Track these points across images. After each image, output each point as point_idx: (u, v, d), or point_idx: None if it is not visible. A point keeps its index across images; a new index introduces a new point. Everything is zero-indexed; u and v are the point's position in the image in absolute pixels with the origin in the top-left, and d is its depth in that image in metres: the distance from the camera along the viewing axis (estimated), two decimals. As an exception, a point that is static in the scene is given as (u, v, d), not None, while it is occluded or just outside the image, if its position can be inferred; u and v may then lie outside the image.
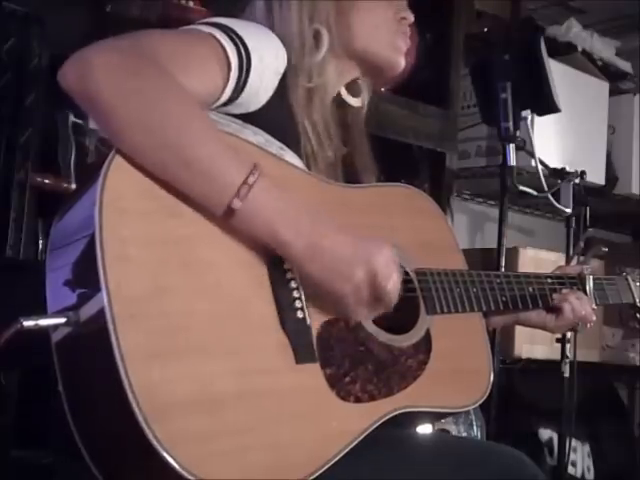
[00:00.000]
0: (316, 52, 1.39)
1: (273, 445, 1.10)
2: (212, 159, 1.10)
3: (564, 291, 1.61)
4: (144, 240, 1.07)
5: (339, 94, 1.49)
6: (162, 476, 1.00)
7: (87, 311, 1.03)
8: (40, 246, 1.99)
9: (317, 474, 1.11)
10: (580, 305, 1.60)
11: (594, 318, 1.62)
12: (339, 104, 1.50)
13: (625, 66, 3.58)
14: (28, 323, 1.03)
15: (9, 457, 1.70)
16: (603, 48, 3.48)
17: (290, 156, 1.33)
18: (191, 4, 2.14)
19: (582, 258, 1.73)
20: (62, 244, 1.11)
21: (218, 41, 1.23)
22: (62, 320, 1.04)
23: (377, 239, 1.22)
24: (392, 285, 1.20)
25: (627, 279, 1.82)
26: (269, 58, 1.30)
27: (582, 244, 2.49)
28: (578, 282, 1.66)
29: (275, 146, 1.31)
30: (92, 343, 1.03)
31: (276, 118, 1.32)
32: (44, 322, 1.04)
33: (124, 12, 2.03)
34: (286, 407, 1.13)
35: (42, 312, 1.08)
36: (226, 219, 1.12)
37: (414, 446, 1.39)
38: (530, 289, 1.58)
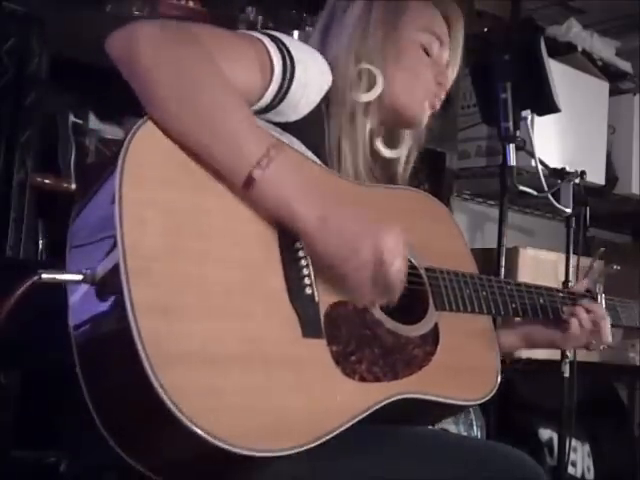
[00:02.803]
0: (365, 91, 1.42)
1: (276, 408, 1.11)
2: (238, 130, 1.15)
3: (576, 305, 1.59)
4: (162, 205, 1.10)
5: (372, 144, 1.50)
6: (168, 428, 1.01)
7: (103, 268, 1.07)
8: (40, 246, 1.99)
9: (315, 444, 1.11)
10: (588, 319, 1.58)
11: (609, 337, 1.59)
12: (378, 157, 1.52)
13: (625, 66, 3.58)
14: (47, 276, 1.06)
15: (9, 457, 1.70)
16: (603, 48, 3.47)
17: None
18: (191, 4, 2.14)
19: (587, 260, 1.69)
20: (84, 224, 1.15)
21: (265, 46, 1.28)
22: (79, 277, 1.07)
23: (389, 222, 1.22)
24: (396, 268, 1.20)
25: None
26: (313, 72, 1.33)
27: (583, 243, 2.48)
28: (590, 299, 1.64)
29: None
30: (106, 299, 1.07)
31: (312, 134, 1.36)
32: (62, 277, 1.08)
33: (124, 12, 2.03)
34: (291, 375, 1.14)
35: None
36: (245, 189, 1.15)
37: (416, 443, 1.38)
38: (541, 300, 1.57)
